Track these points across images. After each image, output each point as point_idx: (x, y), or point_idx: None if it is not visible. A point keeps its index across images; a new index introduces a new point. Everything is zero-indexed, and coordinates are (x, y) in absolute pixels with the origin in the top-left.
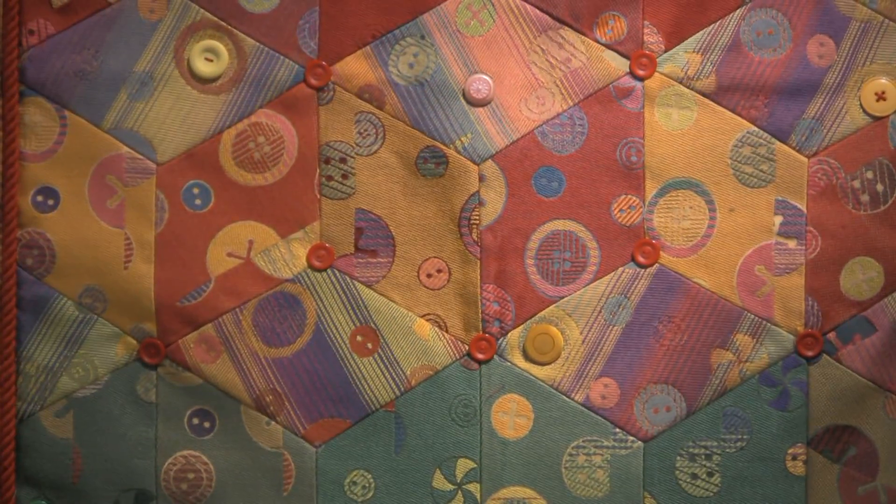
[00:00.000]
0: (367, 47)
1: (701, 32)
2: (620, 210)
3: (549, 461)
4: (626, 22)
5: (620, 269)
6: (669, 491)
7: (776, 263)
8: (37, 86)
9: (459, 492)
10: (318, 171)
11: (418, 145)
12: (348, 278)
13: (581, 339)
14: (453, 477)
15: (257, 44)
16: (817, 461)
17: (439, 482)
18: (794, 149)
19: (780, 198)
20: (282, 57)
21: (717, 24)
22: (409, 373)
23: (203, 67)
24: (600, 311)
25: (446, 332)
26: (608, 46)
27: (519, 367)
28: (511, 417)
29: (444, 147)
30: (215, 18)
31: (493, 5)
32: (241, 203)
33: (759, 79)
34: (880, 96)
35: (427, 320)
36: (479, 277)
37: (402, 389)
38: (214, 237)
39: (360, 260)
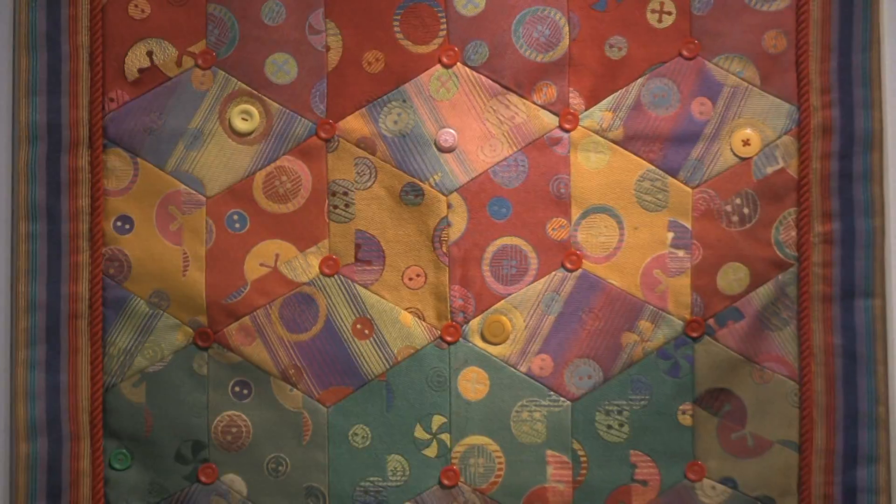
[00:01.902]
0: (363, 109)
1: (612, 96)
2: (553, 229)
3: (501, 416)
4: (556, 89)
5: (553, 273)
6: (591, 438)
7: (669, 268)
8: (116, 139)
9: (434, 440)
10: (327, 201)
11: (402, 182)
12: (350, 282)
13: (524, 326)
14: (430, 429)
15: (281, 107)
16: (701, 415)
17: (419, 433)
18: (682, 182)
19: (672, 219)
20: (299, 117)
21: (624, 89)
22: (396, 351)
23: (240, 125)
24: (538, 304)
25: (423, 320)
26: (542, 107)
27: (478, 347)
28: (472, 384)
29: (421, 183)
30: (249, 88)
31: (456, 77)
32: (269, 226)
33: (656, 130)
34: (746, 142)
35: (409, 312)
36: (447, 280)
37: (391, 364)
38: (250, 252)
39: (359, 268)
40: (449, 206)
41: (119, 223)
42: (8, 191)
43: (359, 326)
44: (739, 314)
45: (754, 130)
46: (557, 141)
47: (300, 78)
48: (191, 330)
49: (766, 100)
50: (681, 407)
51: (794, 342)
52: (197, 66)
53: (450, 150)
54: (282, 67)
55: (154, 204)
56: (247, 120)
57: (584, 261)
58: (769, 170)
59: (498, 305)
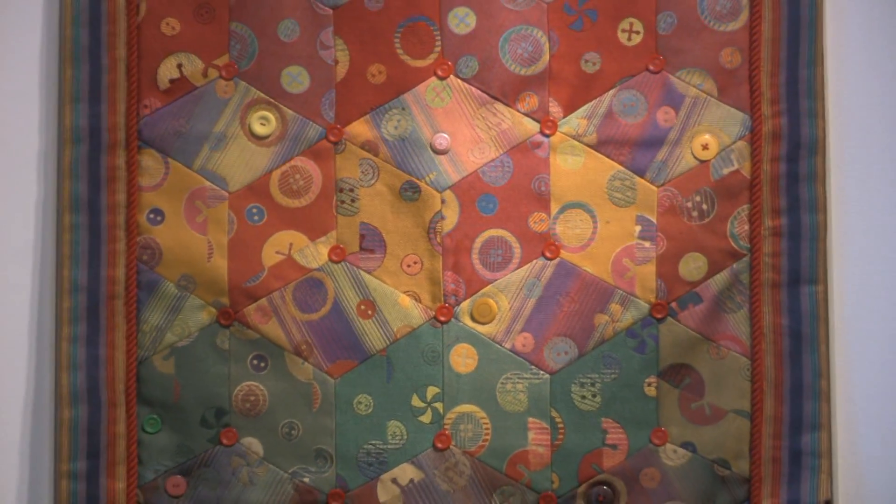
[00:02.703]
0: (367, 115)
1: (586, 105)
2: (534, 222)
3: (488, 388)
4: (537, 98)
5: (534, 261)
6: (567, 407)
7: (637, 257)
8: (149, 141)
9: (429, 408)
10: (335, 197)
11: (401, 180)
12: (355, 268)
13: (509, 307)
14: (425, 398)
15: (294, 113)
16: (664, 387)
17: (416, 402)
18: (648, 181)
19: (639, 214)
20: (311, 122)
21: (597, 99)
22: (395, 330)
23: (258, 129)
24: (521, 289)
25: (420, 302)
26: (525, 115)
27: (468, 326)
28: (463, 359)
29: (418, 181)
30: (266, 97)
31: (449, 88)
32: (284, 218)
33: (625, 135)
34: (705, 147)
35: (407, 295)
36: (441, 267)
37: (391, 341)
38: (267, 241)
39: (363, 256)
40: (442, 201)
41: (151, 215)
42: (54, 186)
43: (362, 307)
44: (699, 298)
45: (712, 136)
46: (538, 145)
47: (312, 88)
48: (214, 310)
49: (722, 109)
50: (646, 380)
51: (746, 323)
52: (220, 76)
53: (443, 153)
54: (296, 78)
55: (182, 198)
56: (264, 125)
57: (561, 250)
58: (725, 171)
59: (485, 289)
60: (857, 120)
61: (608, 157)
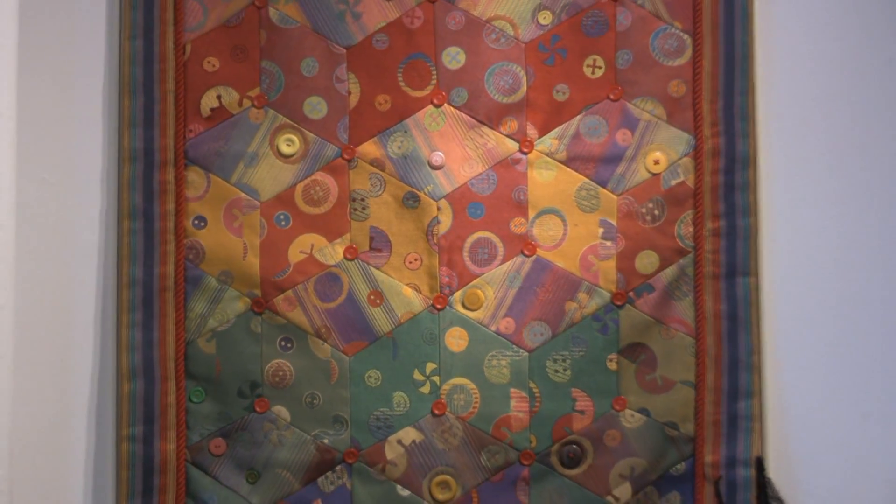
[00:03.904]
0: (375, 137)
1: (558, 128)
2: (515, 226)
3: (477, 363)
4: (517, 122)
5: (515, 258)
6: (542, 379)
7: (600, 254)
8: (194, 160)
9: (428, 381)
10: (349, 205)
11: (404, 191)
12: (366, 264)
13: (494, 297)
14: (424, 373)
15: (315, 136)
16: (623, 362)
17: (417, 375)
18: (609, 191)
19: (602, 218)
20: (328, 143)
21: (567, 123)
22: (399, 315)
23: (285, 149)
24: (504, 281)
25: (420, 293)
26: (507, 136)
27: (460, 312)
28: (456, 340)
29: (418, 192)
30: (291, 122)
31: (444, 114)
32: (306, 223)
33: (591, 153)
34: (656, 162)
35: (409, 287)
36: (437, 263)
37: (396, 324)
38: (292, 242)
39: (372, 254)
40: (438, 208)
41: (196, 221)
42: (115, 198)
43: (372, 297)
44: (652, 288)
45: (662, 153)
46: (518, 161)
47: (329, 115)
48: (248, 300)
49: (671, 131)
50: (608, 356)
51: (691, 309)
52: (253, 105)
53: (439, 168)
54: (315, 107)
55: (222, 207)
56: (290, 145)
57: (537, 249)
58: (673, 182)
59: (474, 282)
60: (782, 139)
61: (576, 171)
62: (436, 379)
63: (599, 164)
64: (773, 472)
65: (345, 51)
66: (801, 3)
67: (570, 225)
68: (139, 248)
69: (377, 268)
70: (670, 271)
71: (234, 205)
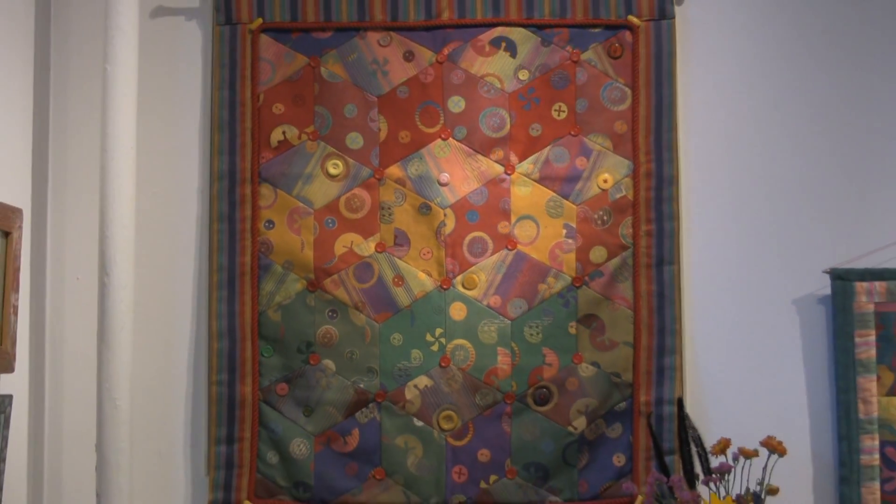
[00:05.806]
0: (399, 162)
1: (533, 156)
2: (501, 228)
3: (473, 328)
4: (503, 152)
5: (501, 251)
6: (521, 341)
7: (564, 249)
8: (265, 179)
9: (437, 342)
10: (379, 212)
11: (419, 202)
12: (391, 256)
13: (486, 280)
14: (434, 335)
15: (354, 161)
16: (581, 328)
17: (429, 338)
18: (571, 202)
19: (565, 223)
20: (364, 167)
21: (540, 152)
22: (416, 293)
23: (332, 171)
24: (493, 268)
25: (431, 277)
26: (495, 162)
27: (461, 291)
28: (458, 311)
29: (430, 203)
30: (336, 151)
31: (449, 146)
32: (348, 226)
33: (557, 174)
34: (605, 181)
35: (423, 272)
36: (444, 255)
37: (413, 300)
38: (337, 239)
39: (396, 249)
40: (445, 215)
41: (267, 224)
42: (207, 206)
43: (396, 280)
44: (602, 273)
45: (610, 174)
46: (503, 180)
47: (364, 146)
48: (305, 281)
49: (616, 158)
50: (570, 324)
51: (630, 289)
52: (308, 139)
53: (445, 185)
54: (355, 140)
55: (286, 213)
56: (336, 168)
57: (518, 245)
58: (618, 196)
59: (471, 269)
60: (698, 164)
61: (546, 188)
62: (443, 340)
63: (563, 183)
64: (690, 408)
65: (376, 99)
66: (711, 67)
67: (542, 227)
68: (225, 243)
69: (400, 258)
70: (615, 261)
71: (294, 212)
